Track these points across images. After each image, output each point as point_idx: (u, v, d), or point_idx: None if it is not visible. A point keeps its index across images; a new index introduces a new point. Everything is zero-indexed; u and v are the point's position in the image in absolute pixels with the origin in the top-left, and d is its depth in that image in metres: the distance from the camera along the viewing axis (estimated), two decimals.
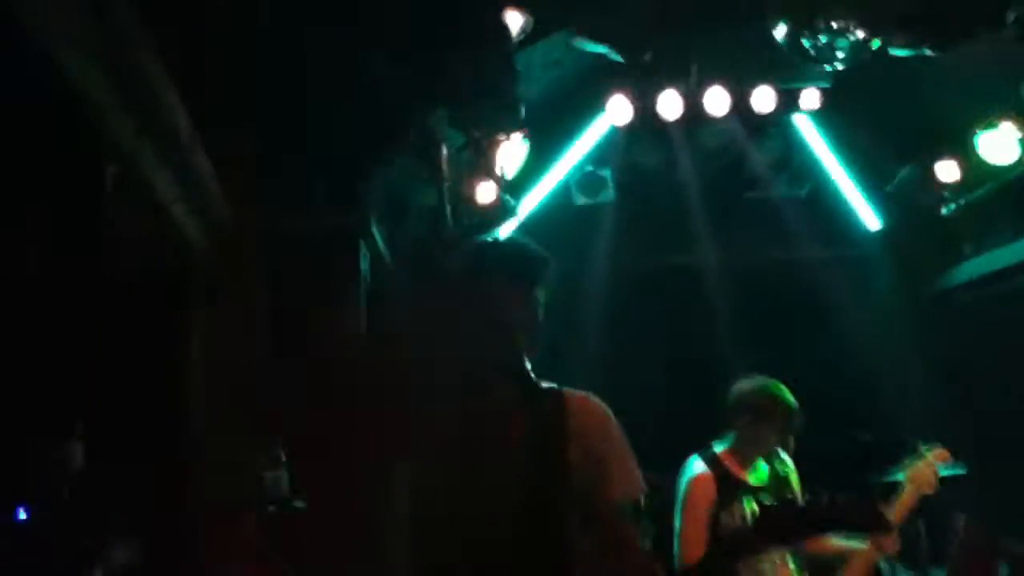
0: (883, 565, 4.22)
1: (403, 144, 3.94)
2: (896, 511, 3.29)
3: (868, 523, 1.85)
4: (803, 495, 3.01)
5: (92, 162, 2.14)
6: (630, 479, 1.84)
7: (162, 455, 2.76)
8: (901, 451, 3.47)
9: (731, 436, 3.51)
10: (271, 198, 3.35)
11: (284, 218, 3.40)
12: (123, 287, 2.54)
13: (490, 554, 1.69)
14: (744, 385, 3.52)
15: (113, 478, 2.50)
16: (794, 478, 3.57)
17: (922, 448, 3.44)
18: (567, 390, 1.83)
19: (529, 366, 1.79)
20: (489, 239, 2.03)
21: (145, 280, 2.79)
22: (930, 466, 3.37)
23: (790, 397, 3.46)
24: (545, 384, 1.79)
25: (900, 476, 3.40)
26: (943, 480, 4.10)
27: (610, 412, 1.85)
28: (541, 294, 1.85)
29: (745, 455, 3.44)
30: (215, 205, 3.02)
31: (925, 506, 4.08)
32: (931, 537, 4.04)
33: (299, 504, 2.67)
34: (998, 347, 5.18)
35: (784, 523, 1.72)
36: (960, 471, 4.15)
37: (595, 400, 1.87)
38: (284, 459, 2.77)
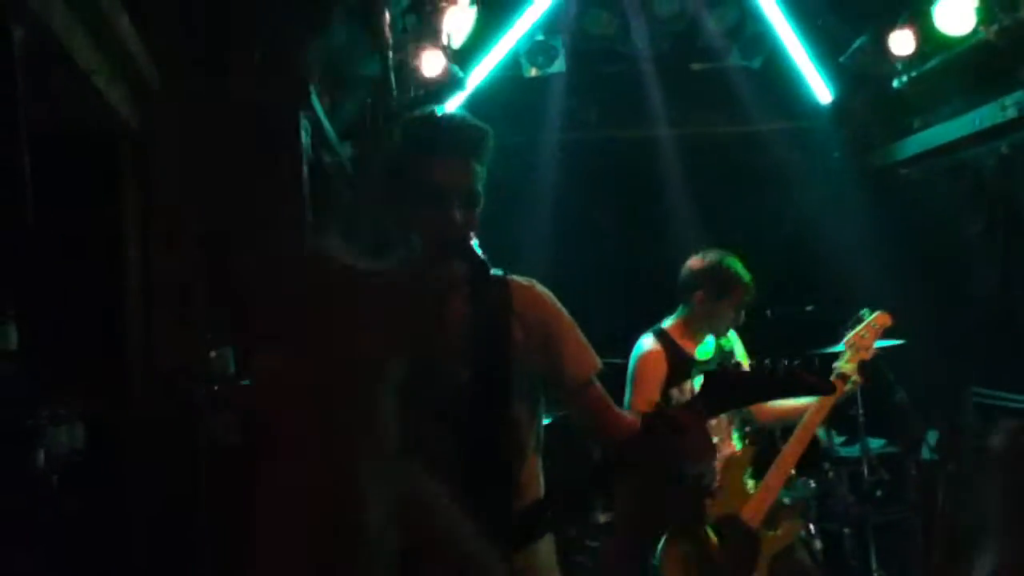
0: (820, 434, 4.38)
1: (343, 6, 3.72)
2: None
3: (811, 385, 1.90)
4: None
5: None
6: (584, 356, 1.90)
7: (102, 334, 2.68)
8: (846, 322, 3.52)
9: (683, 311, 3.48)
10: (201, 66, 3.15)
11: (217, 89, 3.21)
12: (47, 160, 2.39)
13: (435, 437, 1.69)
14: (700, 260, 3.45)
15: (51, 360, 2.42)
16: (739, 350, 3.59)
17: (862, 313, 3.45)
18: (511, 276, 1.85)
19: (476, 244, 1.76)
20: (426, 113, 1.95)
21: (71, 152, 2.63)
22: (870, 331, 3.39)
23: (745, 272, 3.44)
24: (492, 270, 1.78)
25: (840, 346, 3.45)
26: (883, 350, 4.21)
27: (554, 298, 1.89)
28: (481, 168, 1.81)
29: (696, 330, 3.42)
30: (142, 73, 2.83)
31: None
32: (868, 407, 4.18)
33: (245, 382, 2.64)
34: (940, 221, 5.26)
35: (728, 387, 1.77)
36: (899, 342, 4.27)
37: (540, 287, 1.91)
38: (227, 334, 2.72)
